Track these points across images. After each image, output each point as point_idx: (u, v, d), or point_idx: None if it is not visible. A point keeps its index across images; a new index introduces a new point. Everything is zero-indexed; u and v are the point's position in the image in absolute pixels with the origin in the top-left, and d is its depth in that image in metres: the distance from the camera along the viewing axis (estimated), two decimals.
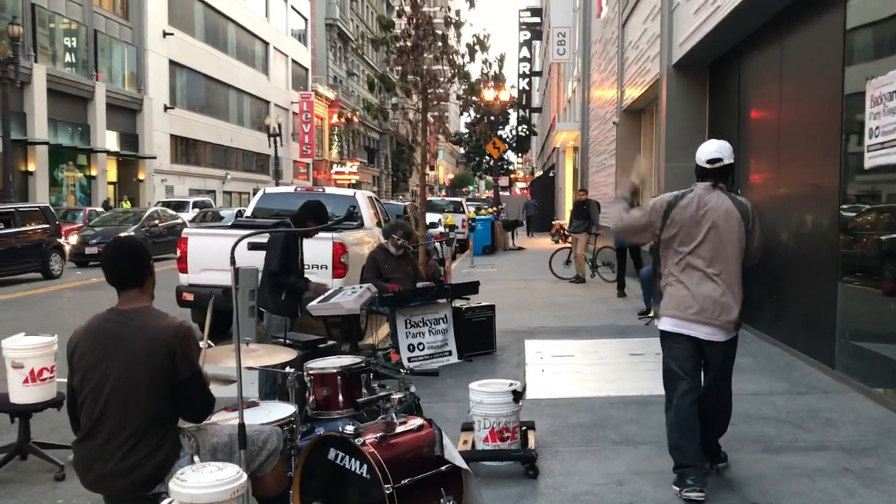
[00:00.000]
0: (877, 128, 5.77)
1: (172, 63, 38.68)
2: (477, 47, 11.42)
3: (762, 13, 8.29)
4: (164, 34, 37.45)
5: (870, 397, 6.05)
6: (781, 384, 6.63)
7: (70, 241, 19.06)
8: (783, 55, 8.20)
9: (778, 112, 8.42)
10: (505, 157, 52.16)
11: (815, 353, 7.17)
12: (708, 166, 4.37)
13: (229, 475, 2.48)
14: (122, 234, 3.44)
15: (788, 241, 8.01)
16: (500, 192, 37.56)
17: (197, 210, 27.79)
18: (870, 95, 5.90)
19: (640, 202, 4.89)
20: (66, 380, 3.15)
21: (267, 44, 51.55)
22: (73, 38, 31.38)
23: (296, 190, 12.58)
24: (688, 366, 4.42)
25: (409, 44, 11.09)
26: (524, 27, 53.91)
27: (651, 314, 10.18)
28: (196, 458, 2.99)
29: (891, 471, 4.55)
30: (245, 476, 2.55)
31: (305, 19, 58.81)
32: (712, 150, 4.41)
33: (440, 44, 11.20)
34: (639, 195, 4.83)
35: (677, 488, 4.24)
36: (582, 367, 7.57)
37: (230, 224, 12.15)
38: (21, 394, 4.86)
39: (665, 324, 4.51)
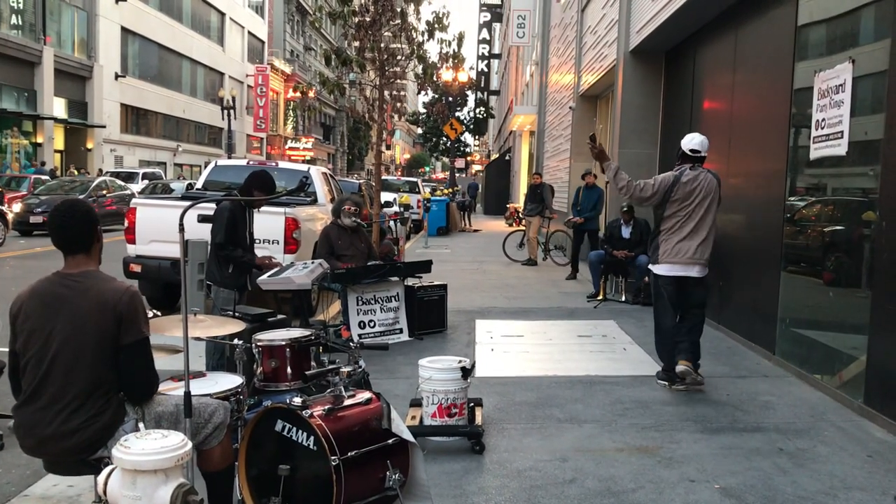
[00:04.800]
0: (823, 119, 5.93)
1: (124, 30, 37.64)
2: (435, 25, 11.37)
3: (718, 4, 8.43)
4: (117, 0, 36.45)
5: (807, 382, 6.25)
6: (723, 368, 6.81)
7: (13, 209, 18.55)
8: (737, 47, 8.35)
9: (730, 102, 8.57)
10: (462, 138, 52.22)
11: (757, 339, 7.37)
12: (691, 154, 5.96)
13: (174, 442, 2.47)
14: (70, 198, 3.35)
15: (735, 230, 8.19)
16: (456, 174, 37.61)
17: (146, 181, 27.21)
18: (817, 88, 6.05)
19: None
20: (6, 348, 3.09)
21: (223, 14, 50.48)
22: (20, 0, 30.33)
23: (248, 163, 12.41)
24: (680, 301, 6.02)
25: (367, 19, 10.99)
26: (484, 8, 53.81)
27: (600, 297, 10.34)
28: (141, 426, 2.96)
29: (822, 451, 4.72)
30: (190, 444, 2.54)
31: None
32: (697, 143, 5.98)
33: (398, 21, 11.12)
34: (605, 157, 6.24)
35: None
36: (531, 347, 7.66)
37: (180, 196, 11.95)
38: None
39: (665, 269, 5.98)
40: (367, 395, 3.63)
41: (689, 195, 5.84)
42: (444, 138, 43.95)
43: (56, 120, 31.99)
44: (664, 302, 6.07)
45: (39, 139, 31.37)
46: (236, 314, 4.91)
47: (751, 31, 7.98)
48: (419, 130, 66.75)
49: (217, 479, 3.36)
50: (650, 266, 6.24)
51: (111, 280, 3.04)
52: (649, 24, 10.16)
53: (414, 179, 31.46)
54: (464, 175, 51.77)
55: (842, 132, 5.65)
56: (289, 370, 4.11)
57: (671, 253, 5.90)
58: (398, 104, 13.98)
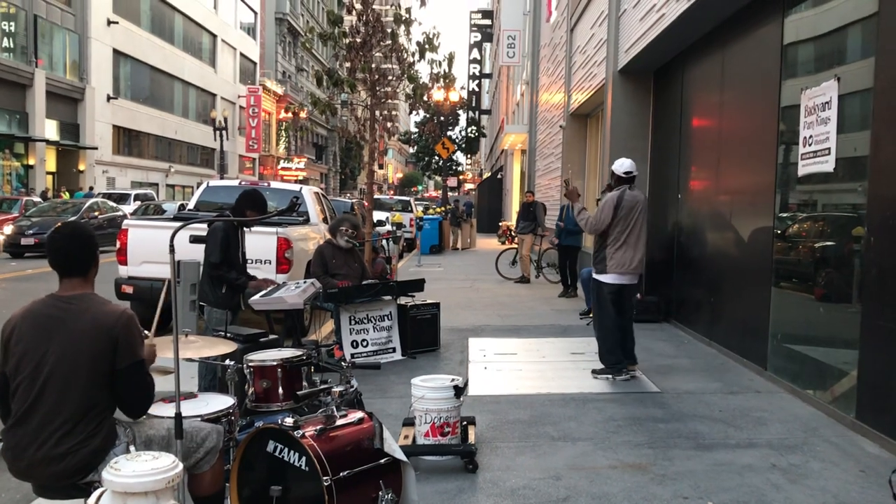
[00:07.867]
0: (810, 136, 5.98)
1: (116, 52, 37.75)
2: (426, 46, 11.44)
3: (705, 23, 8.51)
4: (109, 22, 36.55)
5: (799, 397, 6.26)
6: (715, 384, 6.81)
7: (4, 231, 18.50)
8: (724, 66, 8.42)
9: (718, 120, 8.64)
10: (454, 157, 52.32)
11: (749, 355, 7.39)
12: (625, 176, 6.88)
13: (165, 464, 2.46)
14: (72, 220, 3.36)
15: (726, 247, 8.23)
16: (448, 193, 37.71)
17: (138, 202, 27.18)
18: (804, 106, 6.11)
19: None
20: None
21: (215, 36, 50.68)
22: (12, 23, 30.38)
23: (240, 184, 12.43)
24: (621, 304, 6.87)
25: (358, 40, 11.06)
26: (475, 29, 54.04)
27: (592, 314, 10.32)
28: (132, 448, 2.95)
29: (814, 467, 4.73)
30: (181, 466, 2.53)
31: (255, 13, 58.00)
32: (628, 166, 6.93)
33: (389, 42, 11.20)
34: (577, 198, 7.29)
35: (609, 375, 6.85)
36: (524, 364, 7.66)
37: (172, 217, 11.94)
38: None
39: (612, 278, 6.77)
40: (359, 414, 3.63)
41: (631, 212, 6.71)
42: (437, 157, 44.05)
43: (48, 142, 32.00)
44: (608, 307, 6.86)
45: (31, 161, 31.35)
46: (228, 335, 4.91)
47: (738, 50, 8.06)
48: (411, 150, 66.85)
49: None
50: (595, 276, 6.98)
51: (107, 303, 3.03)
52: (637, 43, 10.24)
53: (406, 198, 31.53)
54: (456, 193, 51.93)
55: (829, 149, 5.71)
56: (280, 390, 4.10)
57: (618, 264, 6.75)
58: (389, 124, 14.03)
